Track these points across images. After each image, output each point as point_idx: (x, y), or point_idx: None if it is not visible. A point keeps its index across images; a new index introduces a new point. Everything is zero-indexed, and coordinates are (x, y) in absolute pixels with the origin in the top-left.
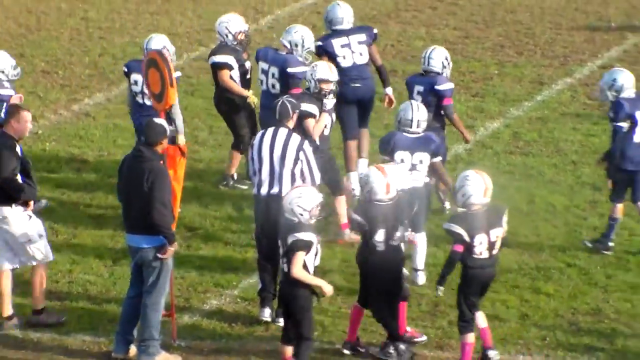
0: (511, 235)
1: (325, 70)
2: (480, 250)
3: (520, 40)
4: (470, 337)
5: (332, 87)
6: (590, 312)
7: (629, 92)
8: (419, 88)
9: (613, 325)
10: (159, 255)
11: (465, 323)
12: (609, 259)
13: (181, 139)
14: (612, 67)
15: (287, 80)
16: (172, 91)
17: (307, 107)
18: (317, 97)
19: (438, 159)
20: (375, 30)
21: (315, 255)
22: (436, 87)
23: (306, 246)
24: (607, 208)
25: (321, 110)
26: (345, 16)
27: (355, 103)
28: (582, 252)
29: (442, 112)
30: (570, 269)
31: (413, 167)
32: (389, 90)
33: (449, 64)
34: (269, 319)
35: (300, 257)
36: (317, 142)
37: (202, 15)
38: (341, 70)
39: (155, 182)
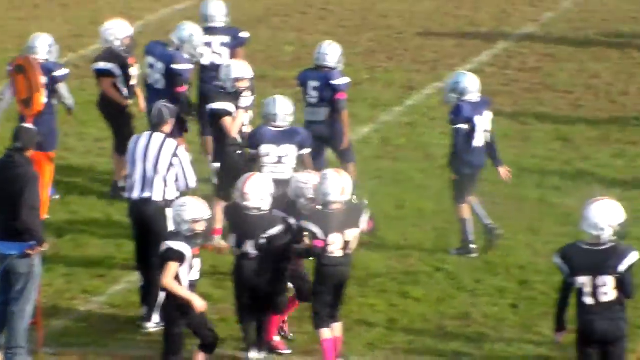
0: (380, 240)
1: (241, 69)
2: (334, 249)
3: (391, 45)
4: (326, 333)
5: (247, 84)
6: (458, 316)
7: (471, 96)
8: (314, 84)
9: (480, 329)
10: (27, 252)
11: (319, 319)
12: (477, 264)
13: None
14: (483, 71)
15: (171, 78)
16: (38, 96)
17: (223, 105)
18: (234, 95)
19: (305, 151)
20: (244, 34)
21: (191, 268)
22: (332, 81)
23: (177, 256)
24: None
25: (238, 108)
26: (216, 14)
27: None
28: (451, 257)
29: (335, 105)
30: (438, 274)
31: (279, 160)
32: None
33: (341, 59)
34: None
35: (171, 267)
36: (238, 140)
37: (71, 21)
38: (201, 68)
39: (26, 187)
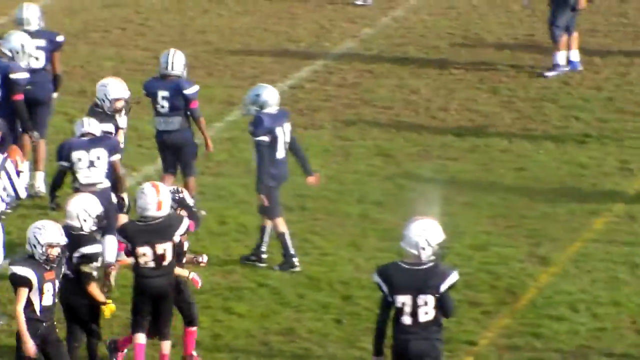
0: None
1: (118, 89)
2: (145, 260)
3: (210, 61)
4: (138, 338)
5: (124, 104)
6: (282, 332)
7: (271, 109)
8: (163, 93)
9: (305, 344)
10: None
11: (134, 325)
12: (300, 279)
13: None
14: (303, 87)
15: (8, 87)
16: None
17: (103, 126)
18: (112, 114)
19: (116, 157)
20: (60, 38)
21: (44, 293)
22: (184, 91)
23: (22, 282)
24: (300, 227)
25: (117, 128)
26: (31, 17)
27: (32, 104)
28: (274, 272)
29: (190, 114)
30: (262, 289)
31: (91, 164)
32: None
33: (185, 67)
34: None
35: (20, 293)
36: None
37: None
38: None
39: None
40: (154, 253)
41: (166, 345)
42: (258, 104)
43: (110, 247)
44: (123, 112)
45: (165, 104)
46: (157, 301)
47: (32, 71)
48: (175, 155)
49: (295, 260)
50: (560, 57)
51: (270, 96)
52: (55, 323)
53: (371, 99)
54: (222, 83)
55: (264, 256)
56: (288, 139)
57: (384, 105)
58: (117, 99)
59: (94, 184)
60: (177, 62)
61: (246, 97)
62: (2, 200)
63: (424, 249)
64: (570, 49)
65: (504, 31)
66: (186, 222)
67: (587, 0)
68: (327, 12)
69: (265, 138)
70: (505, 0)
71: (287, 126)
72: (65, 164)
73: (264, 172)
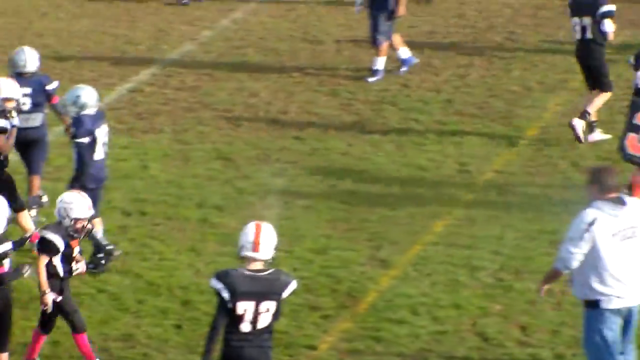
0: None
1: (10, 89)
2: None
3: (48, 64)
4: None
5: (15, 104)
6: (121, 338)
7: (91, 110)
8: (25, 91)
9: (144, 350)
10: None
11: None
12: (139, 284)
13: None
14: (142, 90)
15: None
16: None
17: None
18: (3, 114)
19: None
20: None
21: None
22: (47, 87)
23: None
24: (139, 232)
25: (12, 127)
26: None
27: None
28: (113, 277)
29: (52, 109)
30: (101, 295)
31: None
32: None
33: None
34: None
35: None
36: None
37: None
38: None
39: None
40: None
41: (3, 357)
42: (78, 105)
43: None
44: (14, 112)
45: (28, 100)
46: None
47: None
48: (28, 153)
49: (110, 247)
50: (380, 63)
51: (90, 97)
52: None
53: (210, 102)
54: (60, 87)
55: (110, 247)
56: (106, 140)
57: (224, 109)
58: (8, 99)
59: None
60: (33, 59)
61: (65, 99)
62: None
63: (265, 254)
64: (396, 50)
65: (342, 33)
66: (4, 247)
67: (406, 8)
68: (165, 15)
69: (87, 139)
70: (343, 2)
71: (105, 127)
72: None
73: (83, 173)
